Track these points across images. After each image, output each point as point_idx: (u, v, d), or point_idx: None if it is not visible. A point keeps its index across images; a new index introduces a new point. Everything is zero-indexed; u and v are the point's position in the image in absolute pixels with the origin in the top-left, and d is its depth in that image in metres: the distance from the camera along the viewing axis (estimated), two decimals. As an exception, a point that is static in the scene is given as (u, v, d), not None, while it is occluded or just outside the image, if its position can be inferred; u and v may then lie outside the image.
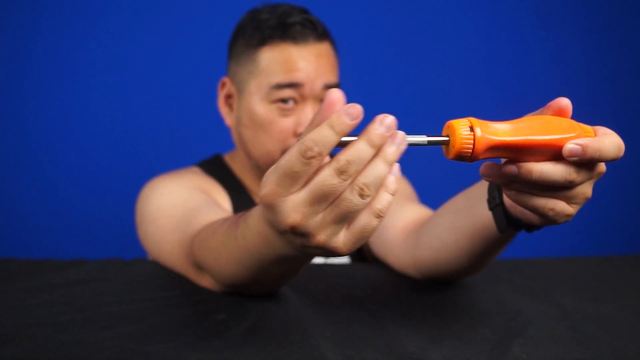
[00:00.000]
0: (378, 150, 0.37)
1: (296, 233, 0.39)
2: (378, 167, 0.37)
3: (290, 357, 0.49)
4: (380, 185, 0.37)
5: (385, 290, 0.74)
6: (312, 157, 0.36)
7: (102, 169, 1.56)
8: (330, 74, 0.88)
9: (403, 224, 0.79)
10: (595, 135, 0.44)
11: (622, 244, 1.73)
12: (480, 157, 0.42)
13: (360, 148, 0.36)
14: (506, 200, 0.53)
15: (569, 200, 0.45)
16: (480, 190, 0.60)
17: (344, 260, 0.95)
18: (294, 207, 0.38)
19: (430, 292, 0.71)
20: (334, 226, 0.38)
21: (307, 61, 0.85)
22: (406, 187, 0.97)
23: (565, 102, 0.44)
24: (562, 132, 0.42)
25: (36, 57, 1.51)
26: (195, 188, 0.86)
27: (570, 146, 0.42)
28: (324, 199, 0.37)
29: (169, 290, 0.70)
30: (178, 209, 0.78)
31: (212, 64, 1.20)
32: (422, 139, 0.40)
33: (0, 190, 1.53)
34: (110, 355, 0.49)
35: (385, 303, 0.67)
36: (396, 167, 0.38)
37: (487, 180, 0.46)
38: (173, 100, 1.58)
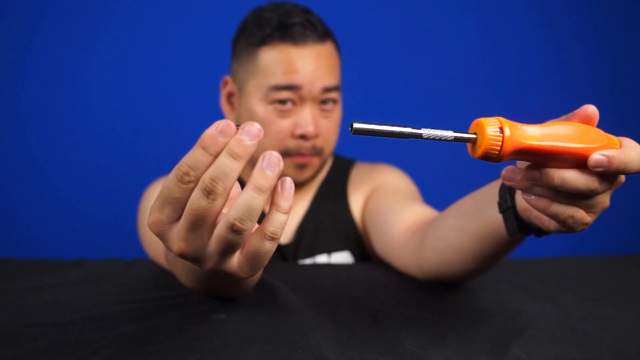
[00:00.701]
0: (216, 155, 0.35)
1: (189, 260, 0.39)
2: (221, 161, 0.35)
3: (290, 357, 0.49)
4: (229, 179, 0.35)
5: (385, 290, 0.74)
6: (190, 181, 0.35)
7: (102, 169, 1.56)
8: (329, 77, 0.87)
9: (407, 224, 0.79)
10: (621, 146, 0.43)
11: (622, 244, 1.73)
12: (506, 158, 0.41)
13: (196, 155, 0.35)
14: (518, 203, 0.53)
15: (587, 209, 0.45)
16: (490, 193, 0.59)
17: (346, 260, 0.95)
18: (178, 235, 0.37)
19: (431, 292, 0.71)
20: (217, 250, 0.38)
21: (307, 63, 0.85)
22: (410, 187, 0.97)
23: (591, 110, 0.43)
24: (589, 141, 0.42)
25: (36, 56, 1.51)
26: None
27: (597, 157, 0.41)
28: (199, 222, 0.36)
29: (169, 290, 0.70)
30: None
31: (215, 63, 1.20)
32: (449, 134, 0.40)
33: (1, 190, 1.53)
34: (110, 355, 0.49)
35: (385, 303, 0.67)
36: (288, 181, 0.37)
37: (508, 185, 0.45)
38: (174, 100, 1.58)
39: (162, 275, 0.78)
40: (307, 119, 0.85)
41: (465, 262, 0.66)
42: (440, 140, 0.40)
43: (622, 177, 0.44)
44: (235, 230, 0.36)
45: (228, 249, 0.37)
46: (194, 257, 0.38)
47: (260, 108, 0.87)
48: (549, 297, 0.71)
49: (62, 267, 0.82)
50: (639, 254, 1.02)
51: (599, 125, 0.45)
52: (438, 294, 0.71)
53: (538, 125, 0.42)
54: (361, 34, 1.64)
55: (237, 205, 0.35)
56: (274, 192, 0.37)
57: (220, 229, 0.36)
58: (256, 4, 0.92)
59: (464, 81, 1.70)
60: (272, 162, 0.35)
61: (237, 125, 0.36)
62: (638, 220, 1.79)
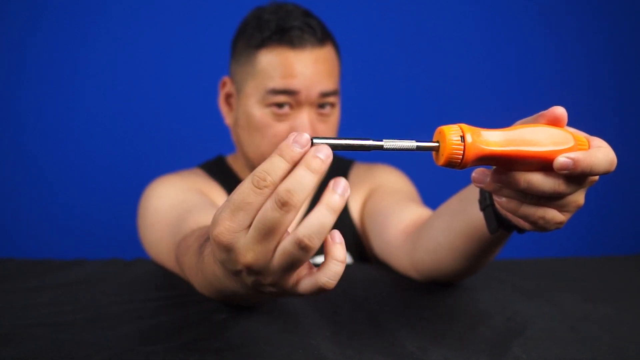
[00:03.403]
0: (292, 163, 0.36)
1: (253, 272, 0.38)
2: (298, 174, 0.35)
3: (290, 357, 0.49)
4: (304, 192, 0.35)
5: (385, 290, 0.74)
6: (265, 187, 0.36)
7: (102, 169, 1.56)
8: (327, 81, 0.86)
9: (404, 224, 0.79)
10: (589, 146, 0.43)
11: (622, 244, 1.73)
12: (470, 165, 0.41)
13: (273, 161, 0.36)
14: (496, 201, 0.53)
15: (560, 209, 0.45)
16: (473, 192, 0.60)
17: (346, 260, 0.95)
18: (246, 246, 0.37)
19: (430, 292, 0.71)
20: (280, 265, 0.37)
21: (304, 67, 0.84)
22: (408, 187, 0.97)
23: (560, 112, 0.43)
24: (554, 144, 0.42)
25: (36, 56, 1.51)
26: (193, 190, 0.86)
27: (562, 160, 0.41)
28: (269, 234, 0.36)
29: (169, 290, 0.70)
30: (174, 211, 0.78)
31: (215, 63, 1.20)
32: (412, 144, 0.40)
33: (1, 190, 1.53)
34: (110, 355, 0.49)
35: (385, 303, 0.67)
36: (337, 234, 0.38)
37: (477, 187, 0.46)
38: (174, 100, 1.58)
39: (162, 275, 0.78)
40: (304, 123, 0.85)
41: (456, 261, 0.66)
42: (403, 150, 0.40)
43: (594, 177, 0.44)
44: (302, 247, 0.36)
45: (291, 265, 0.37)
46: (258, 270, 0.38)
47: (258, 110, 0.86)
48: (549, 297, 0.71)
49: (62, 267, 0.82)
50: (639, 254, 1.03)
51: (582, 125, 0.45)
52: (438, 294, 0.71)
53: (502, 129, 0.42)
54: (361, 35, 1.64)
55: (308, 222, 0.35)
56: (325, 242, 0.37)
57: (287, 244, 0.36)
58: (256, 4, 0.91)
59: (462, 83, 1.70)
60: (342, 186, 0.36)
61: (313, 139, 0.37)
62: (638, 220, 1.79)
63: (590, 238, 1.61)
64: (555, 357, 0.52)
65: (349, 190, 0.36)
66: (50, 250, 1.11)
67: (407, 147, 0.40)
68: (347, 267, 0.88)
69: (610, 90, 1.75)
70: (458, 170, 0.42)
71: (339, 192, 0.36)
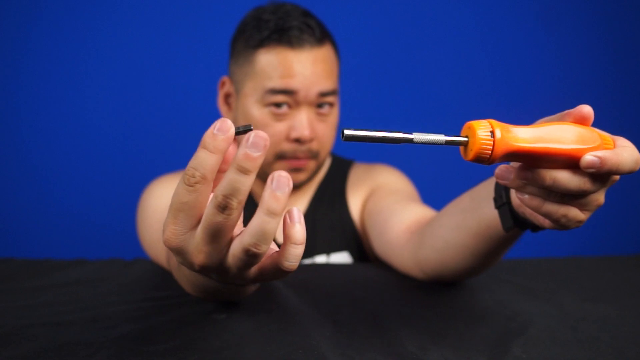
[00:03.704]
0: (218, 152, 0.35)
1: (210, 272, 0.38)
2: (231, 178, 0.34)
3: (290, 357, 0.49)
4: (242, 194, 0.34)
5: (385, 290, 0.74)
6: (197, 183, 0.35)
7: (102, 169, 1.56)
8: (326, 81, 0.86)
9: (406, 224, 0.79)
10: (615, 146, 0.43)
11: (622, 244, 1.73)
12: (498, 160, 0.41)
13: (198, 155, 0.35)
14: (513, 199, 0.53)
15: (581, 207, 0.45)
16: (486, 190, 0.60)
17: (345, 260, 0.95)
18: (197, 248, 0.37)
19: (430, 292, 0.71)
20: (235, 266, 0.37)
21: (303, 67, 0.84)
22: (408, 187, 0.97)
23: (587, 110, 0.43)
24: (582, 142, 0.42)
25: (36, 56, 1.51)
26: None
27: (589, 158, 0.41)
28: (217, 235, 0.36)
29: (168, 290, 0.70)
30: None
31: (214, 63, 1.20)
32: (440, 138, 0.40)
33: (1, 190, 1.53)
34: (110, 355, 0.49)
35: (385, 303, 0.67)
36: (296, 211, 0.36)
37: (501, 183, 0.45)
38: (174, 100, 1.58)
39: (162, 275, 0.78)
40: (302, 122, 0.85)
41: (464, 259, 0.66)
42: (432, 144, 0.40)
43: (616, 176, 0.44)
44: (250, 254, 0.36)
45: (245, 266, 0.37)
46: (213, 270, 0.38)
47: (256, 110, 0.86)
48: (549, 297, 0.71)
49: (62, 267, 0.82)
50: (639, 254, 1.02)
51: (598, 124, 0.45)
52: (438, 293, 0.71)
53: (530, 126, 0.42)
54: (362, 35, 1.64)
55: (251, 230, 0.35)
56: (283, 224, 0.36)
57: (236, 250, 0.36)
58: (255, 4, 0.92)
59: (465, 82, 1.70)
60: (282, 183, 0.34)
61: (241, 128, 0.36)
62: (638, 220, 1.79)
63: (590, 238, 1.61)
64: (555, 357, 0.52)
65: (290, 184, 0.34)
66: (50, 250, 1.11)
67: (437, 140, 0.40)
68: (347, 267, 0.88)
69: (609, 90, 1.75)
70: (486, 165, 0.42)
71: (278, 192, 0.34)
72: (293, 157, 0.88)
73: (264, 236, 0.35)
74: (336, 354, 0.50)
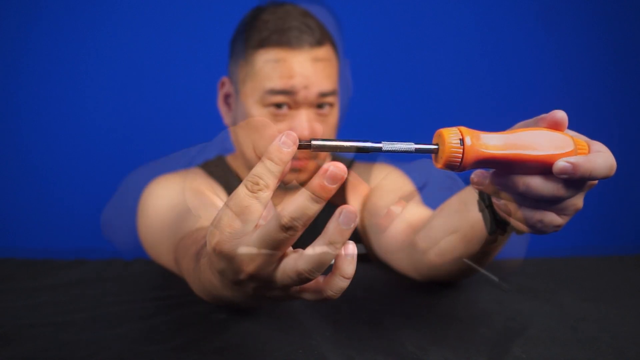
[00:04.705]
0: (282, 164, 0.37)
1: (254, 280, 0.38)
2: (302, 203, 0.35)
3: (290, 357, 0.49)
4: (309, 219, 0.35)
5: (385, 290, 0.74)
6: (259, 190, 0.36)
7: (103, 169, 1.55)
8: (326, 81, 0.86)
9: (403, 226, 0.79)
10: (589, 150, 0.43)
11: (622, 244, 1.73)
12: (470, 167, 0.41)
13: (263, 164, 0.37)
14: (495, 203, 0.53)
15: (558, 212, 0.44)
16: (472, 193, 0.60)
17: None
18: (250, 256, 0.37)
19: (430, 292, 0.71)
20: (280, 283, 0.37)
21: (303, 68, 0.84)
22: (408, 187, 0.97)
23: (560, 115, 0.43)
24: (554, 148, 0.41)
25: (36, 56, 1.51)
26: (192, 190, 0.86)
27: (561, 164, 0.41)
28: (274, 249, 0.36)
29: (169, 290, 0.70)
30: (172, 212, 0.78)
31: (214, 64, 1.20)
32: (410, 146, 0.40)
33: (1, 190, 1.53)
34: (110, 355, 0.49)
35: (385, 303, 0.67)
36: (351, 246, 0.36)
37: (476, 189, 0.46)
38: (174, 101, 1.58)
39: (162, 275, 0.78)
40: (302, 123, 0.85)
41: (455, 261, 0.66)
42: (401, 152, 0.40)
43: (594, 181, 0.44)
44: (302, 278, 0.36)
45: (292, 285, 0.37)
46: (260, 280, 0.38)
47: (256, 111, 0.86)
48: (549, 297, 0.71)
49: (62, 267, 0.82)
50: (639, 254, 1.02)
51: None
52: (438, 294, 0.71)
53: (502, 132, 0.42)
54: (362, 35, 1.64)
55: (309, 258, 0.35)
56: (337, 255, 0.37)
57: (289, 270, 0.36)
58: (255, 4, 0.91)
59: (465, 82, 1.70)
60: (349, 219, 0.35)
61: (304, 143, 0.38)
62: (638, 220, 1.79)
63: (590, 238, 1.61)
64: (555, 357, 0.52)
65: (357, 220, 0.35)
66: (51, 250, 1.11)
67: (406, 149, 0.40)
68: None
69: (610, 90, 1.75)
70: (458, 172, 0.42)
71: (343, 227, 0.34)
72: (293, 157, 0.88)
73: (320, 265, 0.35)
74: (336, 354, 0.50)
